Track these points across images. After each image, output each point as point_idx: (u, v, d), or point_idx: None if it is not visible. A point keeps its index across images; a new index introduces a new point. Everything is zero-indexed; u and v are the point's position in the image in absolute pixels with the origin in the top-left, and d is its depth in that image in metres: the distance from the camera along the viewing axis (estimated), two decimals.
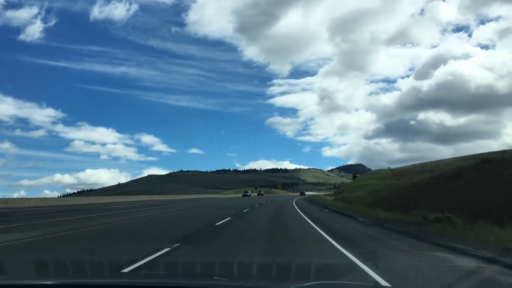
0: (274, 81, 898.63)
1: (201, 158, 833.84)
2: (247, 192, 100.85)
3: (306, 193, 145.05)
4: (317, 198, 58.26)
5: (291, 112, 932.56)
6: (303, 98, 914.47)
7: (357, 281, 4.48)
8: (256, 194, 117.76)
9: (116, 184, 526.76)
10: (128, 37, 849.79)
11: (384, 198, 21.81)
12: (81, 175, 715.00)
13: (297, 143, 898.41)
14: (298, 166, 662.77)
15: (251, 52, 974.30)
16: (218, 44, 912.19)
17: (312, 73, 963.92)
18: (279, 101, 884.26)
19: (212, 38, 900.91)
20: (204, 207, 32.71)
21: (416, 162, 74.60)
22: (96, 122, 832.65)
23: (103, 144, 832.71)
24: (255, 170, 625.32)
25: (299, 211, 25.91)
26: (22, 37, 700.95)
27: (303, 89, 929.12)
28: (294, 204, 36.57)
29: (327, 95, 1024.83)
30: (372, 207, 19.52)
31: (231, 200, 60.48)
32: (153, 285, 1.88)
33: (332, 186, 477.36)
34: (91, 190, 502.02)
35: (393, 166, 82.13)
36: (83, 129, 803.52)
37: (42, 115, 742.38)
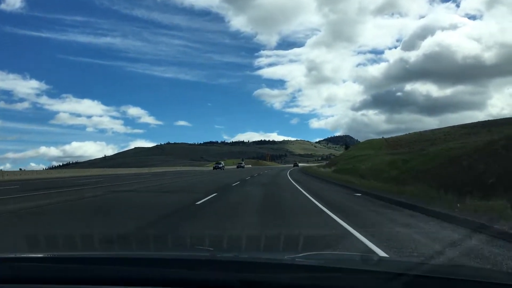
0: (262, 52, 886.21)
1: (188, 130, 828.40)
2: (220, 164, 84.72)
3: (301, 164, 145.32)
4: (313, 171, 49.30)
5: (278, 83, 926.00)
6: (290, 70, 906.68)
7: None
8: (239, 165, 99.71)
9: (102, 157, 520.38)
10: (112, 6, 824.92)
11: (422, 171, 16.54)
12: (67, 147, 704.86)
13: (284, 115, 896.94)
14: (285, 138, 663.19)
15: (238, 22, 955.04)
16: (205, 14, 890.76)
17: (300, 44, 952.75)
18: (266, 72, 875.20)
19: (198, 7, 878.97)
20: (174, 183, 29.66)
21: (406, 132, 72.86)
22: (81, 94, 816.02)
23: (89, 117, 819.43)
24: (242, 142, 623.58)
25: (307, 195, 15.20)
26: (2, 6, 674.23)
27: (291, 61, 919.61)
28: (291, 179, 28.47)
29: (315, 67, 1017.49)
30: (404, 183, 15.01)
31: (211, 174, 49.27)
32: (142, 257, 1.85)
33: (320, 158, 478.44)
34: (76, 163, 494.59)
35: (381, 137, 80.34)
36: (68, 101, 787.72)
37: (26, 87, 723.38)
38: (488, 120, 62.35)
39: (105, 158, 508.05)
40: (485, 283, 1.54)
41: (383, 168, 21.60)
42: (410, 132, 69.88)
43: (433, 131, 62.11)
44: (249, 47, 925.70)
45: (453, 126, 60.70)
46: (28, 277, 1.63)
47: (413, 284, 1.47)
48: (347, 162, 41.69)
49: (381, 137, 76.75)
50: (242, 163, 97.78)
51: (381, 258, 3.46)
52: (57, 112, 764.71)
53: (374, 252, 5.43)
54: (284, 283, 1.46)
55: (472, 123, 62.84)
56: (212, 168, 79.98)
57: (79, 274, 1.63)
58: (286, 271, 1.58)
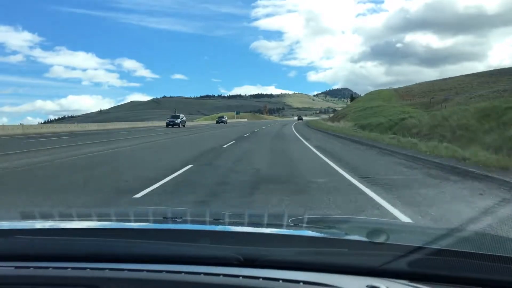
0: (259, 2, 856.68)
1: (185, 84, 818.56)
2: (223, 117, 72.78)
3: (308, 118, 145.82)
4: (328, 127, 36.35)
5: (276, 35, 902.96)
6: (288, 20, 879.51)
7: None
8: (220, 120, 72.86)
9: (98, 111, 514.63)
10: None
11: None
12: (63, 101, 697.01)
13: (282, 68, 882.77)
14: (283, 91, 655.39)
15: None
16: None
17: None
18: (264, 23, 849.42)
19: None
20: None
21: (410, 83, 68.49)
22: (75, 46, 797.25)
23: (84, 70, 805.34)
24: (240, 95, 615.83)
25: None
26: None
27: (289, 11, 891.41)
28: (310, 146, 16.43)
29: (314, 17, 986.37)
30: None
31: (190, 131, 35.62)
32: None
33: (318, 111, 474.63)
34: (72, 117, 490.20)
35: (389, 87, 76.29)
36: (62, 54, 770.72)
37: (19, 39, 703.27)
38: (500, 68, 57.93)
39: (101, 112, 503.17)
40: None
41: (424, 123, 17.03)
42: (417, 82, 66.04)
43: (445, 80, 57.64)
44: None
45: (466, 75, 56.47)
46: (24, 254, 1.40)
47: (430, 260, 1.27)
48: (360, 116, 36.54)
49: (388, 87, 72.98)
50: (223, 117, 74.91)
51: (399, 225, 3.07)
52: (51, 65, 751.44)
53: None
54: (288, 260, 1.35)
55: (482, 72, 58.67)
56: (215, 122, 73.27)
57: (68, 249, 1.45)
58: (290, 245, 1.44)
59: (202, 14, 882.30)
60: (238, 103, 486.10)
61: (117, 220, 2.07)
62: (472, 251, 1.31)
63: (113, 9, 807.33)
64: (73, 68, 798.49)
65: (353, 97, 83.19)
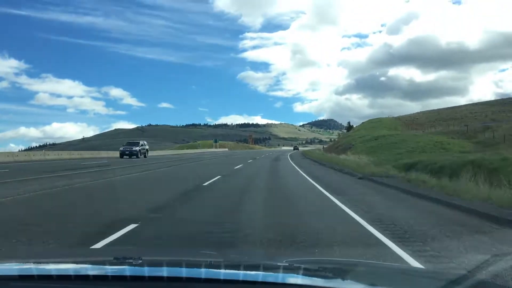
0: (246, 34, 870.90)
1: (172, 113, 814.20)
2: (134, 146, 42.44)
3: (286, 148, 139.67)
4: (345, 164, 25.35)
5: (263, 66, 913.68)
6: (275, 53, 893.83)
7: None
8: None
9: (81, 138, 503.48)
10: None
11: None
12: (47, 128, 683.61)
13: (268, 98, 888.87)
14: (269, 121, 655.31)
15: (222, 2, 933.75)
16: None
17: (285, 27, 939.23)
18: (251, 55, 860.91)
19: None
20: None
21: (420, 111, 65.02)
22: (61, 74, 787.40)
23: (70, 97, 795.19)
24: (226, 124, 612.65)
25: None
26: None
27: (276, 43, 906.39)
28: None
29: (300, 50, 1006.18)
30: None
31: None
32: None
33: (304, 141, 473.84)
34: (53, 144, 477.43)
35: (388, 116, 73.15)
36: (48, 81, 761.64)
37: (5, 66, 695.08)
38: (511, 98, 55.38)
39: (84, 139, 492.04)
40: None
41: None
42: (422, 111, 63.31)
43: (452, 109, 54.72)
44: (233, 29, 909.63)
45: (474, 103, 53.67)
46: None
47: None
48: (374, 147, 30.87)
49: (388, 116, 69.89)
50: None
51: (414, 270, 3.12)
52: (37, 92, 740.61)
53: None
54: None
55: (491, 100, 56.02)
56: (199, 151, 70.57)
57: None
58: None
59: (190, 45, 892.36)
60: (224, 132, 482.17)
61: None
62: None
63: (101, 38, 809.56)
64: (59, 96, 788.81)
65: (350, 125, 77.92)
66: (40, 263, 1.97)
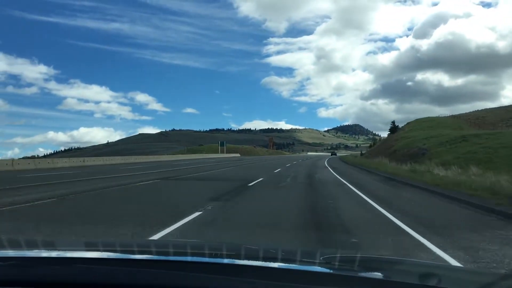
0: (270, 39, 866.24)
1: (196, 118, 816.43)
2: None
3: (312, 153, 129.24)
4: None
5: (287, 71, 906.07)
6: (299, 58, 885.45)
7: None
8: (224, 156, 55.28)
9: (105, 143, 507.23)
10: None
11: None
12: (75, 133, 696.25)
13: (292, 104, 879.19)
14: (293, 127, 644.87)
15: (246, 8, 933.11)
16: (213, 0, 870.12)
17: (309, 32, 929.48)
18: (275, 60, 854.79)
19: None
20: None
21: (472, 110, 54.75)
22: (89, 79, 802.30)
23: (97, 103, 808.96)
24: (249, 129, 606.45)
25: None
26: None
27: (300, 48, 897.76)
28: None
29: (324, 55, 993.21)
30: None
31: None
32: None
33: (329, 147, 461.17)
34: (78, 149, 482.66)
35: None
36: (76, 87, 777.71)
37: (34, 71, 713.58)
38: None
39: (108, 144, 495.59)
40: None
41: None
42: (485, 109, 53.72)
43: None
44: (257, 34, 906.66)
45: None
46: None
47: None
48: (481, 154, 19.29)
49: (440, 115, 60.50)
50: None
51: (450, 268, 3.09)
52: (65, 98, 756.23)
53: None
54: None
55: None
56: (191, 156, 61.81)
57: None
58: (340, 284, 1.37)
59: (214, 51, 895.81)
60: (247, 137, 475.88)
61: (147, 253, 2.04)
62: None
63: (128, 44, 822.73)
64: (86, 101, 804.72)
65: (395, 125, 62.97)
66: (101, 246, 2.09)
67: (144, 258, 1.79)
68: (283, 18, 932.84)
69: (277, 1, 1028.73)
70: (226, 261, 1.82)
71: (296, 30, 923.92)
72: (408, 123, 57.03)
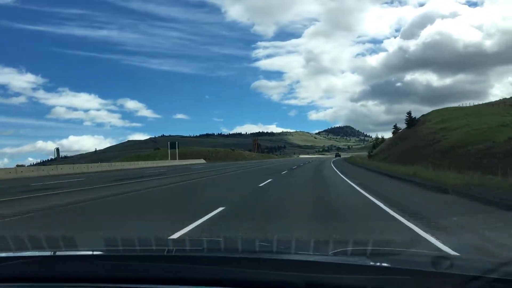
0: (259, 43, 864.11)
1: (187, 124, 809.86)
2: None
3: (305, 156, 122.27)
4: None
5: (276, 75, 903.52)
6: (288, 61, 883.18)
7: None
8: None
9: (93, 151, 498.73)
10: None
11: None
12: (64, 142, 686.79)
13: (283, 107, 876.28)
14: (284, 130, 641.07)
15: (234, 12, 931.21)
16: (201, 5, 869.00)
17: (298, 35, 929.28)
18: (264, 64, 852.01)
19: None
20: None
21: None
22: (78, 87, 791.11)
23: (86, 110, 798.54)
24: (240, 134, 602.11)
25: None
26: None
27: (289, 52, 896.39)
28: None
29: (313, 57, 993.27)
30: None
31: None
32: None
33: (321, 149, 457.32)
34: (65, 157, 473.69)
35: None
36: (64, 95, 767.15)
37: (22, 80, 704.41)
38: None
39: (96, 151, 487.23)
40: None
41: None
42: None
43: None
44: (246, 39, 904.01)
45: None
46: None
47: None
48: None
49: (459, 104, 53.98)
50: None
51: (453, 257, 3.29)
52: (53, 106, 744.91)
53: None
54: (350, 286, 1.40)
55: None
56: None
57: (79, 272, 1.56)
58: (352, 272, 1.47)
59: (203, 56, 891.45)
60: (237, 142, 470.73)
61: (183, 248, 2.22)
62: None
63: (116, 51, 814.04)
64: (75, 109, 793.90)
65: (412, 119, 49.10)
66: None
67: (156, 255, 1.87)
68: (271, 22, 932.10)
69: (265, 5, 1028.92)
70: (249, 254, 1.90)
71: (285, 34, 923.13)
72: (424, 115, 49.89)
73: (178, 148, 76.60)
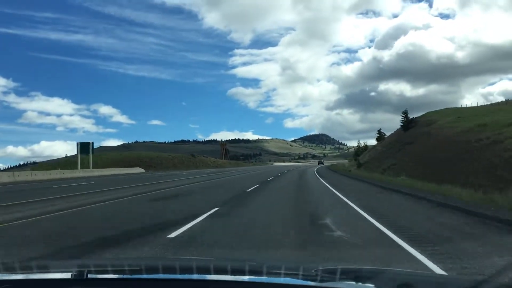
0: (236, 51, 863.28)
1: (162, 130, 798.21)
2: None
3: (280, 164, 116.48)
4: None
5: (253, 82, 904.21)
6: (265, 69, 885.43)
7: None
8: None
9: (64, 156, 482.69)
10: (84, 3, 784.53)
11: None
12: (35, 147, 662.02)
13: (259, 114, 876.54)
14: (260, 137, 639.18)
15: (211, 19, 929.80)
16: (178, 11, 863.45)
17: (274, 43, 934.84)
18: (241, 71, 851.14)
19: (171, 4, 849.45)
20: None
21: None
22: (50, 92, 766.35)
23: (59, 115, 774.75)
24: (215, 140, 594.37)
25: None
26: None
27: (265, 59, 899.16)
28: None
29: (289, 66, 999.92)
30: None
31: None
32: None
33: (296, 157, 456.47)
34: (35, 163, 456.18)
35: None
36: (36, 100, 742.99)
37: None
38: None
39: (67, 157, 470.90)
40: None
41: None
42: None
43: None
44: (223, 46, 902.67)
45: None
46: None
47: None
48: None
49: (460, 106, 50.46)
50: None
51: (439, 276, 3.27)
52: (25, 111, 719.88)
53: None
54: None
55: None
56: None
57: None
58: None
59: (180, 62, 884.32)
60: (214, 148, 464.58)
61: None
62: None
63: (91, 56, 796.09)
64: (48, 114, 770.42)
65: (408, 120, 41.81)
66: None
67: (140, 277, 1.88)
68: (247, 30, 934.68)
69: (242, 13, 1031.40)
70: (216, 277, 1.87)
71: (261, 42, 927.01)
72: (419, 117, 44.54)
73: (92, 151, 58.65)
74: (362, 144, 63.18)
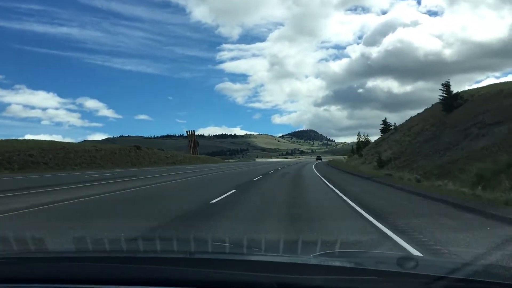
0: (224, 45, 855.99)
1: (149, 125, 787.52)
2: None
3: (265, 160, 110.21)
4: None
5: (241, 78, 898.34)
6: (253, 64, 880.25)
7: None
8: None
9: None
10: None
11: None
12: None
13: (247, 110, 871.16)
14: (248, 132, 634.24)
15: (199, 13, 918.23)
16: (166, 5, 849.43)
17: (263, 38, 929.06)
18: (229, 66, 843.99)
19: None
20: None
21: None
22: (35, 85, 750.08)
23: (44, 109, 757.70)
24: (202, 135, 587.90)
25: None
26: None
27: (254, 55, 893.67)
28: None
29: (278, 61, 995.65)
30: None
31: None
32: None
33: (284, 152, 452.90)
34: None
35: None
36: (21, 93, 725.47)
37: None
38: None
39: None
40: None
41: None
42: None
43: None
44: (211, 40, 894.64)
45: None
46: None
47: None
48: None
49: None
50: None
51: (418, 257, 3.26)
52: (9, 104, 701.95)
53: None
54: (321, 286, 1.46)
55: None
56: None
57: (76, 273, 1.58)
58: (322, 273, 1.54)
59: (168, 56, 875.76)
60: (201, 143, 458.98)
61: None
62: (494, 280, 1.43)
63: (77, 49, 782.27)
64: (33, 107, 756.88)
65: (453, 95, 29.19)
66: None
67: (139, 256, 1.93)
68: (236, 24, 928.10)
69: (230, 7, 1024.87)
70: (224, 256, 2.00)
71: (250, 37, 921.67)
72: (466, 91, 32.48)
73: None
74: (363, 137, 57.31)
